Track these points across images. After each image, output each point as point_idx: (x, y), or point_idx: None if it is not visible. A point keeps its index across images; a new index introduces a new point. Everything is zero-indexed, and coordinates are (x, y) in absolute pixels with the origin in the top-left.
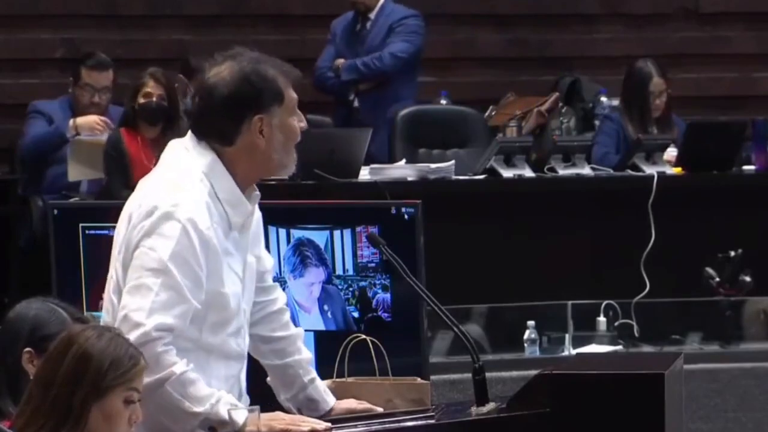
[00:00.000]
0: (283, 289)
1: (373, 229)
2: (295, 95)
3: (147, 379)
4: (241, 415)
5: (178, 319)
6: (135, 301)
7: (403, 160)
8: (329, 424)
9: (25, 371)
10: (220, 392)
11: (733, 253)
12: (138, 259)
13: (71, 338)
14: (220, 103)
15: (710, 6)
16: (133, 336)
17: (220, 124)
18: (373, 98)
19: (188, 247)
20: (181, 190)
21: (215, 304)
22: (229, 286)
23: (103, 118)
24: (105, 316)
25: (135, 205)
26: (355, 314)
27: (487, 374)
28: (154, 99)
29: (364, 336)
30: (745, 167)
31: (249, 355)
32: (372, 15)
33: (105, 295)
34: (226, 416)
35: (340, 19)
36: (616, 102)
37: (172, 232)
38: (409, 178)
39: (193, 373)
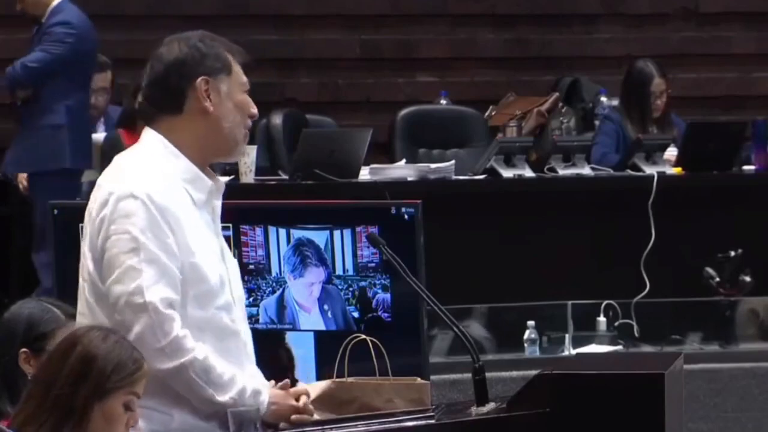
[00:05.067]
0: (283, 290)
1: (373, 229)
2: (244, 77)
3: (169, 365)
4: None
5: (171, 290)
6: (127, 286)
7: (403, 160)
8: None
9: (22, 371)
10: (241, 380)
11: (733, 253)
12: (113, 248)
13: (76, 339)
14: (166, 66)
15: (710, 6)
16: (143, 322)
17: (167, 87)
18: (30, 108)
19: (152, 219)
20: (132, 170)
21: (191, 275)
22: (202, 257)
23: None
24: (82, 320)
25: (91, 201)
26: (355, 314)
27: (487, 374)
28: None
29: (364, 336)
30: (745, 167)
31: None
32: (44, 20)
33: (79, 302)
34: (256, 406)
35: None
36: (616, 102)
37: (133, 209)
38: (409, 178)
39: (212, 357)
